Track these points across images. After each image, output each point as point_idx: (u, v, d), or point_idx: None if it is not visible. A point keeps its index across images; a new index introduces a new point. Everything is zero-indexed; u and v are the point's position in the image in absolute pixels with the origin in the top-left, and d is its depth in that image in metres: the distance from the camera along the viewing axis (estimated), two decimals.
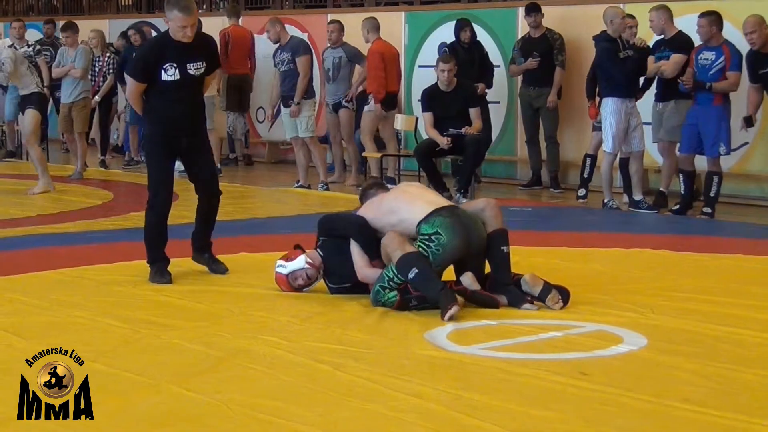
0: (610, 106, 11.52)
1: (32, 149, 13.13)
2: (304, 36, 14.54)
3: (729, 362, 5.64)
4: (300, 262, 7.34)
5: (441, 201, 7.19)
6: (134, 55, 8.34)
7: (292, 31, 14.27)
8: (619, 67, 11.44)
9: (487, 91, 13.47)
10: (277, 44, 13.54)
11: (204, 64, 7.79)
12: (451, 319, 6.47)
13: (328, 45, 14.31)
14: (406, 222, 6.99)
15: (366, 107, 13.73)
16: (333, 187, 13.47)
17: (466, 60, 13.12)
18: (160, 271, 7.74)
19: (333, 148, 14.71)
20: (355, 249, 7.17)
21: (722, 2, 12.02)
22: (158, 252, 7.83)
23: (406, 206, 7.08)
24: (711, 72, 11.07)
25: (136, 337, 6.26)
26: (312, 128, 13.33)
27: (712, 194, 11.15)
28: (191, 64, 7.71)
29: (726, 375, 5.43)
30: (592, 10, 13.21)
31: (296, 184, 13.52)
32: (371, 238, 7.12)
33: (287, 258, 7.39)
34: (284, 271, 7.35)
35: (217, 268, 8.03)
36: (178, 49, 7.67)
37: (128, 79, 7.88)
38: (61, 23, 18.42)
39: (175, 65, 7.66)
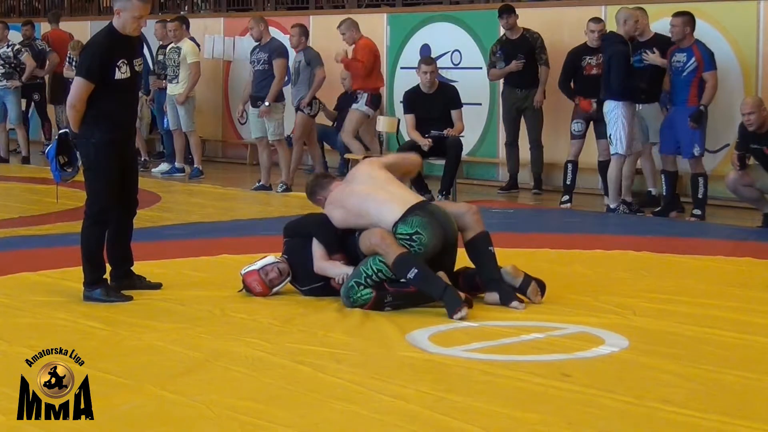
0: (621, 109, 11.37)
1: None
2: (286, 38, 14.45)
3: (710, 364, 5.65)
4: (269, 258, 7.37)
5: (409, 197, 7.21)
6: (82, 54, 7.59)
7: (273, 33, 14.20)
8: (630, 74, 11.38)
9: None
10: (257, 43, 13.52)
11: (141, 60, 7.38)
12: (462, 319, 6.57)
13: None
14: (379, 225, 7.01)
15: (355, 105, 13.63)
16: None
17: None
18: (111, 290, 7.22)
19: (309, 150, 14.63)
20: (315, 243, 7.26)
21: (700, 3, 12.05)
22: (103, 270, 7.30)
23: (375, 209, 7.09)
24: (684, 74, 11.04)
25: (117, 339, 6.24)
26: (281, 131, 13.30)
27: (700, 196, 11.13)
28: (136, 61, 7.24)
29: (707, 376, 5.45)
30: (570, 12, 13.24)
31: (257, 184, 13.51)
32: (331, 234, 7.23)
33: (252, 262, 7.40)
34: (255, 266, 7.31)
35: (150, 284, 7.55)
36: (125, 44, 7.20)
37: (78, 81, 7.15)
38: (42, 25, 18.39)
39: (126, 62, 7.14)
